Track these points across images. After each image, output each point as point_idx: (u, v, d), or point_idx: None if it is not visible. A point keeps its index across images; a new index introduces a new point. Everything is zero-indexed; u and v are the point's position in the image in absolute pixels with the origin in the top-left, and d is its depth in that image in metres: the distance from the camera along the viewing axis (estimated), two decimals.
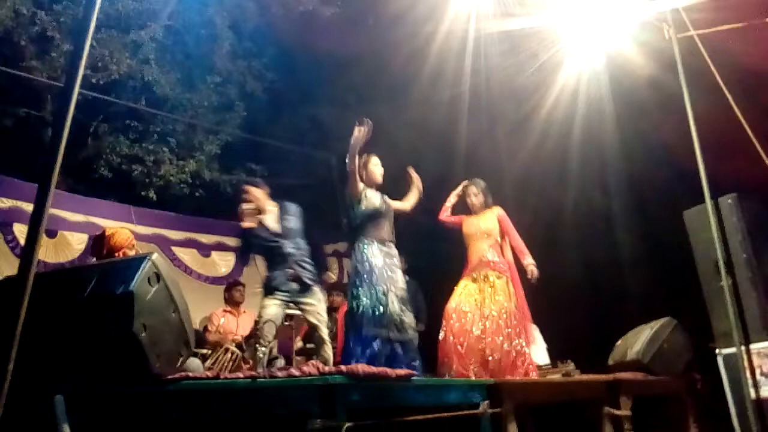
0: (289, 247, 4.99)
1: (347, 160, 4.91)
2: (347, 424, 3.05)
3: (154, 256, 2.82)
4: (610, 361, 5.65)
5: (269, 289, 4.90)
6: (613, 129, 7.16)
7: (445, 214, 5.68)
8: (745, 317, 4.53)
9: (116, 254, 3.98)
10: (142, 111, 9.69)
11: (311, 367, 3.30)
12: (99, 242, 4.16)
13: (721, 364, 4.72)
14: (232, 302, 6.94)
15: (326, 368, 3.39)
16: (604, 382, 4.98)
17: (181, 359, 2.89)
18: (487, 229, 5.50)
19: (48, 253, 7.06)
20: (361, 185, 4.96)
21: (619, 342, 5.73)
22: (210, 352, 6.10)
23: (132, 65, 9.26)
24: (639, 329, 5.65)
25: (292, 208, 5.21)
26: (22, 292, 1.79)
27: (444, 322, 5.36)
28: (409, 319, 4.81)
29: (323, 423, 3.03)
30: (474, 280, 5.41)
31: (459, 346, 5.21)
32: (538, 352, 5.73)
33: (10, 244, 6.90)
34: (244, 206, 5.14)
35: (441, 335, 5.34)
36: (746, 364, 4.46)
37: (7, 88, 8.84)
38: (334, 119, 9.51)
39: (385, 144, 7.84)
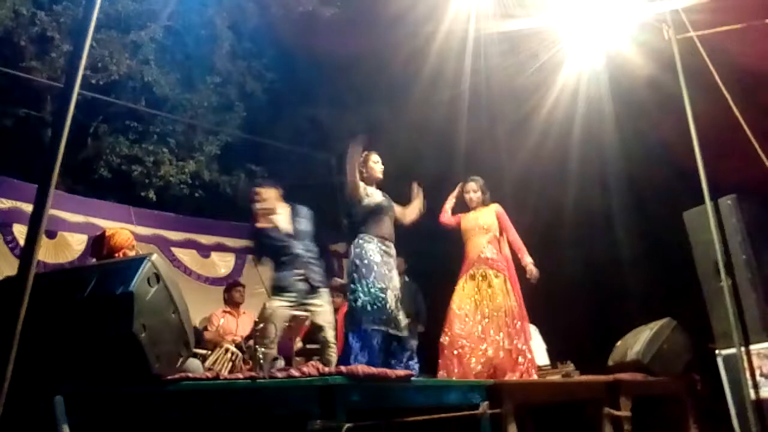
0: (299, 248, 4.99)
1: (347, 175, 4.89)
2: (347, 425, 3.05)
3: (154, 257, 2.82)
4: (610, 362, 5.65)
5: (278, 290, 4.91)
6: (612, 129, 7.16)
7: (446, 216, 5.67)
8: (744, 318, 4.53)
9: (116, 255, 3.98)
10: (141, 111, 9.69)
11: (311, 368, 3.30)
12: (99, 243, 4.16)
13: (720, 365, 4.73)
14: (232, 303, 6.94)
15: (326, 369, 3.39)
16: (604, 382, 4.98)
17: (180, 360, 2.89)
18: (485, 224, 5.50)
19: (48, 253, 7.06)
20: (362, 185, 4.96)
21: (619, 343, 5.73)
22: (210, 352, 6.09)
23: (132, 66, 9.26)
24: (639, 330, 5.65)
25: (304, 210, 5.21)
26: (22, 292, 1.79)
27: (445, 325, 5.36)
28: (402, 319, 4.83)
29: (323, 424, 3.03)
30: (472, 278, 5.41)
31: (460, 348, 5.21)
32: (538, 352, 5.73)
33: (10, 245, 6.90)
34: (259, 206, 5.13)
35: (442, 338, 5.34)
36: (746, 364, 4.47)
37: (6, 88, 8.84)
38: (334, 119, 9.53)
39: (385, 144, 7.86)
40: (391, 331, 4.67)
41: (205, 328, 6.68)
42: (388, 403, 3.58)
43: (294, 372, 3.29)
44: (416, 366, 4.88)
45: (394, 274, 4.94)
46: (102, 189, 9.21)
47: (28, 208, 6.63)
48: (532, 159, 7.52)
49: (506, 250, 5.52)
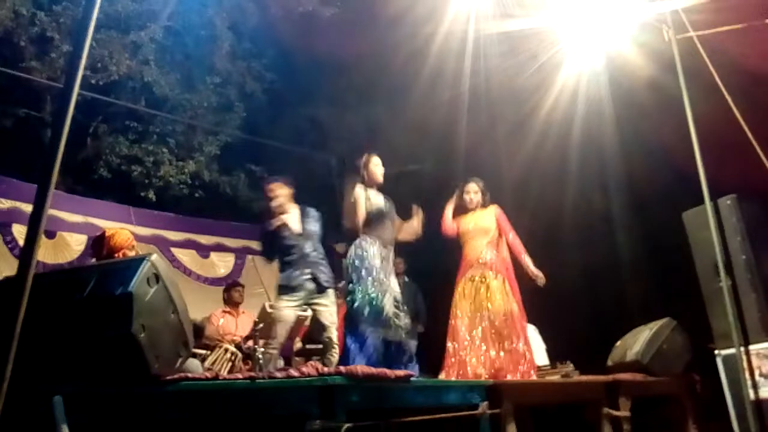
0: (307, 248, 5.06)
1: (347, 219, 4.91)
2: (346, 425, 3.05)
3: (153, 257, 2.82)
4: (610, 362, 5.65)
5: (285, 290, 4.95)
6: (612, 130, 7.16)
7: (448, 224, 5.58)
8: (744, 318, 4.54)
9: (116, 255, 3.98)
10: (141, 112, 9.69)
11: (310, 368, 3.30)
12: (99, 243, 4.16)
13: (720, 365, 4.73)
14: (231, 303, 6.94)
15: (325, 369, 3.39)
16: (604, 383, 4.98)
17: (180, 360, 2.89)
18: (484, 227, 5.47)
19: (47, 253, 7.06)
20: (363, 194, 4.95)
21: (619, 343, 5.72)
22: (209, 352, 6.09)
23: (131, 66, 9.27)
24: (638, 330, 5.65)
25: (312, 211, 5.28)
26: (21, 292, 1.78)
27: (448, 332, 5.35)
28: (404, 321, 4.81)
29: (322, 424, 3.03)
30: (471, 281, 5.39)
31: (462, 353, 5.20)
32: (537, 352, 5.73)
33: (9, 245, 6.90)
34: (274, 203, 5.15)
35: (447, 344, 5.31)
36: (745, 365, 4.47)
37: (6, 88, 8.85)
38: (334, 120, 9.53)
39: (385, 144, 7.87)
40: (389, 336, 4.66)
41: (205, 328, 6.67)
42: (387, 403, 3.58)
43: (293, 372, 3.29)
44: (416, 368, 4.87)
45: (392, 278, 4.94)
46: (102, 189, 9.22)
47: (27, 208, 6.64)
48: (531, 160, 7.52)
49: (505, 253, 5.50)
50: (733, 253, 4.66)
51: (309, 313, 5.69)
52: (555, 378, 5.42)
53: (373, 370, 3.56)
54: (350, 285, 4.73)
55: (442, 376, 5.18)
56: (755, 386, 4.45)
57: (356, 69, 8.48)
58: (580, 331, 6.56)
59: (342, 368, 3.42)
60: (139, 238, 6.48)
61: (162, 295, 2.79)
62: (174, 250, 8.38)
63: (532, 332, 6.01)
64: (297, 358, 6.39)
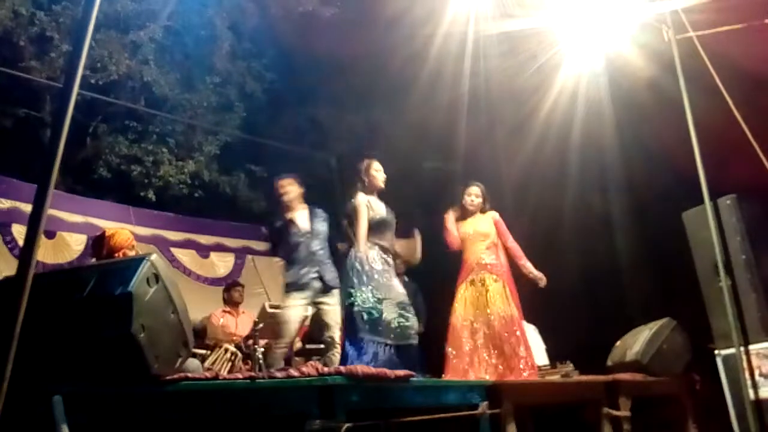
0: (315, 246, 5.09)
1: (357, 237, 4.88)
2: (346, 425, 3.05)
3: (153, 257, 2.82)
4: (609, 362, 5.65)
5: (295, 287, 4.96)
6: (612, 130, 7.15)
7: (453, 237, 5.55)
8: (744, 318, 4.54)
9: (116, 255, 3.98)
10: (141, 111, 9.69)
11: (310, 368, 3.30)
12: (99, 243, 4.16)
13: (720, 365, 4.73)
14: (232, 303, 6.94)
15: (325, 369, 3.38)
16: (603, 382, 4.98)
17: (179, 360, 2.89)
18: (483, 232, 5.47)
19: (47, 253, 7.06)
20: (365, 203, 4.95)
21: (618, 343, 5.73)
22: (209, 352, 6.09)
23: (131, 66, 9.27)
24: (638, 330, 5.65)
25: (321, 212, 5.31)
26: (21, 292, 1.78)
27: (448, 334, 5.34)
28: (411, 323, 4.80)
29: (322, 424, 3.03)
30: (472, 284, 5.38)
31: (463, 356, 5.19)
32: (537, 352, 5.72)
33: (9, 245, 6.90)
34: (285, 198, 5.20)
35: (447, 348, 5.30)
36: (745, 364, 4.47)
37: (6, 88, 8.84)
38: (334, 120, 9.54)
39: (385, 145, 7.87)
40: (389, 342, 4.66)
41: (205, 328, 6.67)
42: (387, 403, 3.58)
43: (293, 372, 3.29)
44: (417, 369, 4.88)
45: (395, 282, 4.93)
46: (101, 189, 9.22)
47: (27, 208, 6.63)
48: (531, 161, 7.52)
49: (504, 257, 5.50)
50: (732, 253, 4.66)
51: (310, 312, 5.70)
52: (555, 378, 5.42)
53: (372, 369, 3.56)
54: (350, 289, 4.72)
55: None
56: (755, 386, 4.45)
57: (356, 69, 8.49)
58: (580, 331, 6.56)
59: (342, 368, 3.42)
60: (138, 238, 6.47)
61: (162, 295, 2.79)
62: (174, 250, 8.37)
63: (532, 332, 6.01)
64: (297, 358, 6.39)
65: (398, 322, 4.70)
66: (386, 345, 4.61)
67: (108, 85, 9.15)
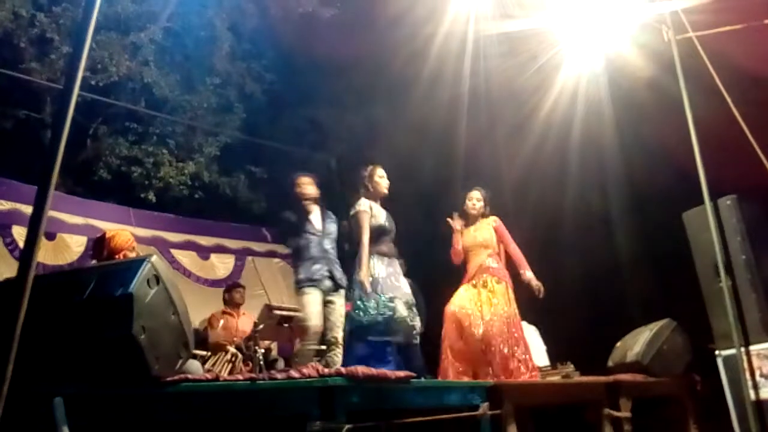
0: (327, 245, 5.18)
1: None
2: (347, 426, 3.05)
3: (154, 258, 2.82)
4: (610, 363, 5.64)
5: (309, 281, 5.00)
6: (612, 131, 7.15)
7: (457, 252, 5.54)
8: (744, 318, 4.53)
9: (116, 256, 3.98)
10: (141, 113, 9.69)
11: (311, 369, 3.30)
12: (99, 244, 4.16)
13: (720, 366, 4.72)
14: (232, 304, 6.93)
15: (325, 370, 3.38)
16: (604, 383, 4.98)
17: (180, 361, 2.89)
18: (484, 241, 5.46)
19: (47, 255, 7.05)
20: (368, 212, 4.99)
21: (619, 344, 5.72)
22: (209, 354, 6.09)
23: (131, 67, 9.27)
24: (638, 331, 5.65)
25: (332, 214, 5.40)
26: (21, 294, 1.78)
27: (445, 326, 5.34)
28: (416, 323, 4.84)
29: (323, 425, 3.03)
30: (474, 286, 5.38)
31: (460, 350, 5.20)
32: (538, 353, 5.72)
33: (9, 247, 6.89)
34: (306, 196, 5.27)
35: (442, 341, 5.32)
36: (746, 365, 4.46)
37: (6, 90, 8.84)
38: (334, 121, 9.53)
39: (385, 145, 7.86)
40: (403, 341, 4.69)
41: (205, 330, 6.67)
42: (387, 404, 3.58)
43: (293, 373, 3.29)
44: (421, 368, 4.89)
45: (402, 282, 5.01)
46: (101, 190, 9.21)
47: (27, 209, 6.63)
48: (531, 160, 7.52)
49: (504, 263, 5.50)
50: (733, 254, 4.65)
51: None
52: (555, 379, 5.41)
53: (373, 371, 3.56)
54: (358, 302, 4.75)
55: (442, 377, 5.18)
56: (756, 387, 4.45)
57: (356, 70, 8.48)
58: (581, 332, 6.56)
59: (342, 369, 3.42)
60: (138, 240, 6.47)
61: (162, 296, 2.79)
62: (174, 251, 8.36)
63: (533, 333, 6.01)
64: (297, 359, 6.39)
65: (407, 322, 4.74)
66: (399, 344, 4.65)
67: (108, 86, 9.15)
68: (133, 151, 9.58)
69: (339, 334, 5.04)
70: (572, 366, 5.66)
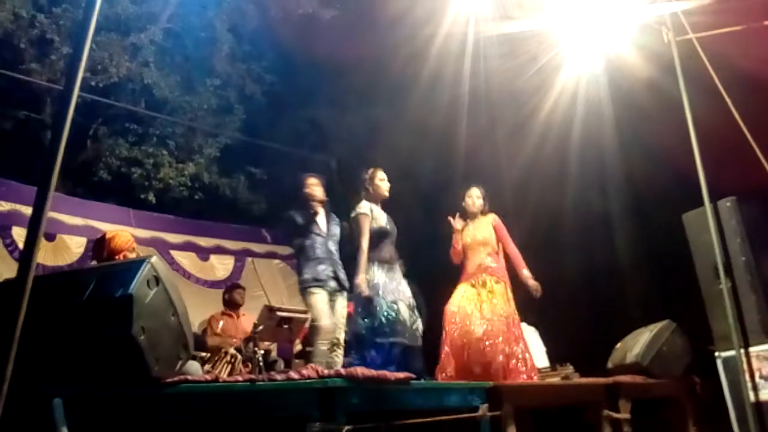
0: (331, 246, 5.22)
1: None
2: (346, 428, 3.05)
3: (153, 259, 2.82)
4: (610, 364, 5.64)
5: (315, 281, 5.02)
6: (612, 132, 7.15)
7: (456, 255, 5.54)
8: (744, 320, 4.53)
9: (116, 257, 3.98)
10: (141, 114, 9.69)
11: (310, 371, 3.30)
12: (99, 245, 4.16)
13: (720, 367, 4.72)
14: (233, 304, 6.92)
15: (325, 371, 3.38)
16: (604, 385, 4.98)
17: (180, 362, 2.89)
18: (483, 239, 5.46)
19: (47, 256, 7.05)
20: (369, 217, 4.99)
21: (618, 345, 5.72)
22: (209, 355, 6.08)
23: (131, 68, 9.27)
24: (638, 332, 5.65)
25: (335, 217, 5.43)
26: (21, 295, 1.78)
27: (444, 326, 5.35)
28: (419, 325, 4.85)
29: (322, 426, 3.03)
30: (473, 286, 5.38)
31: (459, 350, 5.19)
32: (537, 355, 5.72)
33: (9, 248, 6.89)
34: (316, 197, 5.29)
35: (441, 338, 5.33)
36: (745, 367, 4.46)
37: (6, 90, 8.84)
38: (334, 122, 9.53)
39: (385, 146, 7.86)
40: (408, 342, 4.70)
41: (205, 331, 6.66)
42: (387, 405, 3.58)
43: (293, 374, 3.29)
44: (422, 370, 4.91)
45: (403, 285, 5.02)
46: (101, 191, 9.21)
47: (27, 210, 6.63)
48: (531, 161, 7.52)
49: (503, 262, 5.50)
50: (732, 255, 4.65)
51: (309, 314, 5.68)
52: (555, 380, 5.41)
53: (372, 372, 3.56)
54: (359, 309, 4.76)
55: (441, 377, 5.18)
56: (755, 388, 4.44)
57: (356, 71, 8.48)
58: (580, 333, 6.56)
59: (342, 370, 3.43)
60: (138, 241, 6.45)
61: (162, 297, 2.79)
62: (173, 252, 8.36)
63: (533, 335, 6.01)
64: (297, 361, 6.38)
65: (410, 322, 4.74)
66: (404, 346, 4.66)
67: (108, 87, 9.15)
68: (133, 152, 9.58)
69: (341, 335, 5.05)
70: (572, 367, 5.66)
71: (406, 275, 7.00)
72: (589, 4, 5.40)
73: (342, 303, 5.16)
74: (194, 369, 4.75)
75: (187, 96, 9.94)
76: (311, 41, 8.90)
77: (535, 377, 5.18)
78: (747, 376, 4.45)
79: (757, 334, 4.51)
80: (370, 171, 5.16)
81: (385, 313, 4.66)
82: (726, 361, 4.67)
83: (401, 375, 3.78)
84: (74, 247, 7.41)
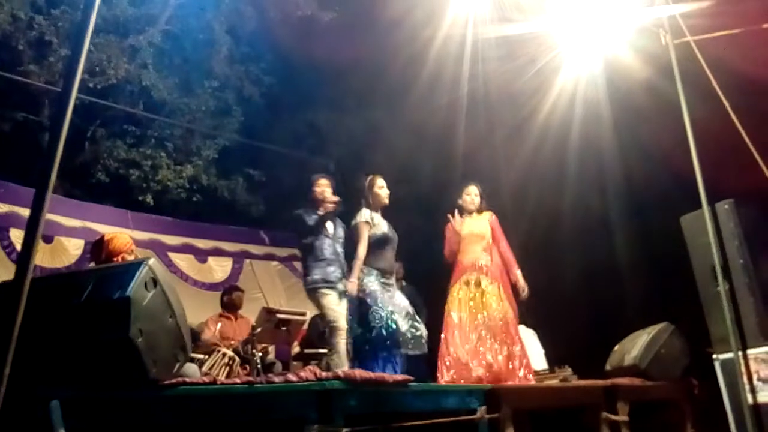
0: (339, 249, 5.20)
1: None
2: (345, 430, 3.05)
3: (151, 261, 2.82)
4: (608, 367, 5.64)
5: (326, 282, 5.00)
6: (610, 134, 7.17)
7: (449, 250, 5.56)
8: (742, 322, 4.52)
9: (115, 259, 3.97)
10: (139, 116, 9.69)
11: (308, 373, 3.29)
12: (98, 247, 4.15)
13: (718, 370, 4.72)
14: (231, 307, 6.91)
15: (323, 374, 3.38)
16: (602, 387, 4.98)
17: (177, 364, 2.88)
18: (480, 232, 5.48)
19: (44, 258, 7.03)
20: (368, 224, 5.01)
21: (617, 347, 5.72)
22: (207, 357, 6.07)
23: (130, 70, 9.27)
24: (636, 334, 5.65)
25: (340, 220, 5.39)
26: (19, 297, 1.78)
27: (443, 334, 5.34)
28: (422, 332, 4.82)
29: (320, 428, 3.03)
30: (467, 284, 5.37)
31: (458, 354, 5.19)
32: (536, 357, 5.72)
33: (7, 250, 6.88)
34: (327, 198, 5.24)
35: (441, 347, 5.31)
36: (743, 369, 4.46)
37: (4, 92, 8.83)
38: (332, 124, 9.54)
39: (383, 148, 7.87)
40: (409, 352, 4.69)
41: (203, 333, 6.65)
42: (386, 407, 3.58)
43: (291, 377, 3.28)
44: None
45: (397, 296, 5.00)
46: (99, 193, 9.21)
47: (25, 212, 6.62)
48: (529, 163, 7.53)
49: (498, 259, 5.50)
50: (730, 258, 4.65)
51: (308, 316, 5.71)
52: (553, 382, 5.41)
53: (371, 374, 3.56)
54: (359, 316, 4.76)
55: (441, 381, 5.17)
56: (753, 391, 4.44)
57: (354, 73, 8.49)
58: (579, 336, 6.56)
59: (340, 372, 3.42)
60: (136, 243, 6.45)
61: (160, 299, 2.78)
62: (171, 254, 8.34)
63: (531, 337, 6.01)
64: (295, 363, 6.38)
65: (411, 333, 4.73)
66: (406, 356, 4.65)
67: (106, 89, 9.15)
68: (131, 154, 9.58)
69: (344, 338, 5.03)
70: (570, 369, 5.66)
71: (405, 278, 7.03)
72: (588, 6, 5.41)
73: (345, 306, 5.13)
74: (192, 371, 4.74)
75: (186, 98, 9.94)
76: (310, 43, 8.90)
77: (532, 378, 5.18)
78: (745, 379, 4.45)
79: (754, 337, 4.51)
80: (369, 178, 5.16)
81: (386, 325, 4.66)
82: (724, 364, 4.66)
83: (399, 377, 3.79)
84: (72, 249, 7.40)
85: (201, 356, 5.95)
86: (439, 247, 5.68)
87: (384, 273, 4.97)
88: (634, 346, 5.45)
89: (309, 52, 8.83)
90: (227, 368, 5.86)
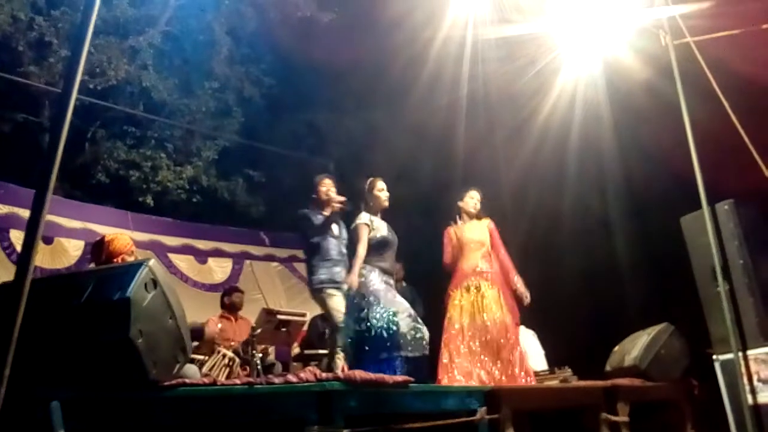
0: (344, 249, 5.18)
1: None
2: (345, 431, 3.04)
3: (152, 262, 2.81)
4: (608, 367, 5.64)
5: (332, 282, 5.00)
6: (610, 134, 7.17)
7: (448, 257, 5.57)
8: (742, 323, 4.52)
9: (115, 260, 3.97)
10: (139, 117, 9.70)
11: (308, 374, 3.29)
12: (98, 248, 4.15)
13: (718, 370, 4.72)
14: (231, 308, 6.91)
15: (323, 374, 3.38)
16: (602, 388, 4.98)
17: (177, 365, 2.88)
18: (480, 239, 5.48)
19: (45, 259, 7.04)
20: (368, 226, 4.99)
21: (617, 348, 5.72)
22: (206, 357, 6.07)
23: (130, 71, 9.28)
24: (636, 335, 5.65)
25: (342, 222, 5.38)
26: (19, 298, 1.78)
27: (443, 340, 5.33)
28: (423, 334, 4.80)
29: (320, 429, 3.03)
30: (467, 290, 5.38)
31: (459, 361, 5.18)
32: (536, 358, 5.72)
33: (7, 251, 6.88)
34: (333, 199, 5.24)
35: (441, 353, 5.30)
36: (743, 369, 4.46)
37: (4, 93, 8.84)
38: (332, 125, 9.55)
39: (383, 149, 7.87)
40: (411, 354, 4.67)
41: (203, 334, 6.65)
42: (385, 408, 3.57)
43: (291, 378, 3.28)
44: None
45: (398, 298, 4.97)
46: (99, 194, 9.21)
47: (25, 213, 6.62)
48: (529, 164, 7.53)
49: (497, 265, 5.50)
50: (730, 258, 4.65)
51: (308, 317, 5.70)
52: (553, 383, 5.41)
53: (371, 375, 3.55)
54: (360, 315, 4.74)
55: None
56: (753, 391, 4.44)
57: (354, 74, 8.50)
58: (579, 337, 6.56)
59: (340, 373, 3.42)
60: (136, 244, 6.44)
61: (160, 300, 2.78)
62: (171, 255, 8.35)
63: (531, 338, 6.01)
64: (295, 364, 6.38)
65: (412, 334, 4.71)
66: (407, 358, 4.63)
67: (107, 90, 9.16)
68: (131, 155, 9.59)
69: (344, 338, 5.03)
70: (570, 370, 5.66)
71: (405, 278, 7.03)
72: (588, 7, 5.41)
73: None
74: (192, 372, 4.74)
75: (186, 99, 9.95)
76: (310, 44, 8.91)
77: (532, 380, 5.18)
78: (745, 379, 4.45)
79: (754, 337, 4.51)
80: (369, 181, 5.15)
81: (387, 326, 4.64)
82: (724, 364, 4.66)
83: (399, 378, 3.78)
84: (72, 250, 7.41)
85: (201, 357, 5.95)
86: (438, 248, 5.68)
87: (385, 272, 4.96)
88: (634, 347, 5.45)
89: (309, 53, 8.84)
90: (227, 369, 5.86)
